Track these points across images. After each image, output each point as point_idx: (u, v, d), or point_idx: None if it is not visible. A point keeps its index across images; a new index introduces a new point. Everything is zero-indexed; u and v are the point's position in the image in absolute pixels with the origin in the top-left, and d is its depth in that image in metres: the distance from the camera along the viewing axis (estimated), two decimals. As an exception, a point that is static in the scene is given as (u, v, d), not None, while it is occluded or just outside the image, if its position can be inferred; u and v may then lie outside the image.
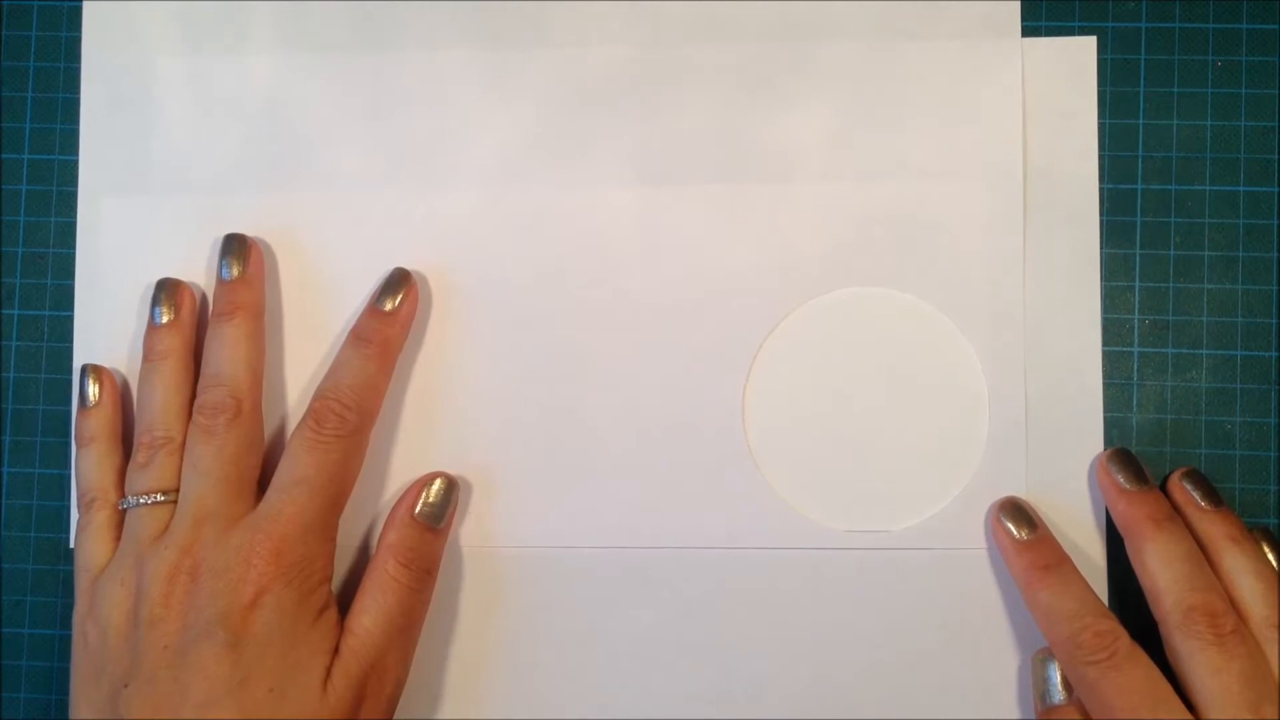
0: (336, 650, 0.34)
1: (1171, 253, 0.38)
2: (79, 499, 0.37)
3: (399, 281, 0.38)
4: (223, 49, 0.39)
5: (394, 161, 0.39)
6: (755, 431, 0.38)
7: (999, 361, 0.38)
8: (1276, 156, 0.38)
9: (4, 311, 0.40)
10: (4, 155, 0.40)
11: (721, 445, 0.38)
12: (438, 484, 0.37)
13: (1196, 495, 0.36)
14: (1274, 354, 0.38)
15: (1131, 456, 0.36)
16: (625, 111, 0.39)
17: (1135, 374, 0.38)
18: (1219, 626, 0.33)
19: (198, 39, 0.40)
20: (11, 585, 0.39)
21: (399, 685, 0.35)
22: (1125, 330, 0.38)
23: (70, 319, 0.39)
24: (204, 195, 0.39)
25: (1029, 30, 0.39)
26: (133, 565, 0.35)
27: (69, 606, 0.39)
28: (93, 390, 0.38)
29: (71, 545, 0.39)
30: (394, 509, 0.37)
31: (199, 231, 0.39)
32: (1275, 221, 0.38)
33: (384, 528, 0.37)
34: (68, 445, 0.39)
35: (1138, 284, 0.38)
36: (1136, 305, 0.38)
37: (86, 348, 0.39)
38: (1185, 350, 0.38)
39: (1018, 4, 0.38)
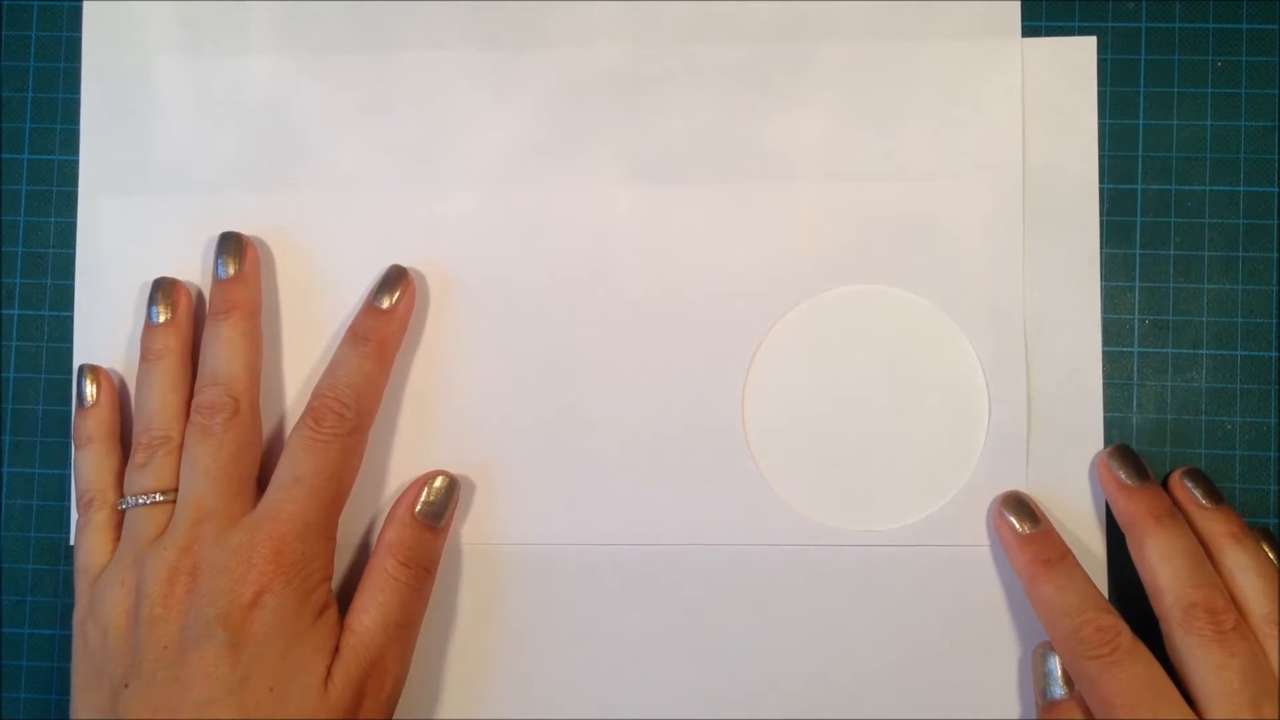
0: (336, 649, 0.34)
1: (1171, 253, 0.38)
2: (78, 499, 0.37)
3: (396, 279, 0.38)
4: (223, 49, 0.39)
5: (394, 161, 0.39)
6: (755, 430, 0.38)
7: (998, 361, 0.38)
8: (1276, 156, 0.38)
9: (4, 311, 0.40)
10: (4, 155, 0.40)
11: (721, 444, 0.38)
12: (438, 482, 0.37)
13: (1197, 493, 0.36)
14: (1274, 354, 0.38)
15: (1132, 453, 0.36)
16: (625, 111, 0.39)
17: (1135, 374, 0.38)
18: (1220, 623, 0.33)
19: (198, 39, 0.40)
20: (11, 585, 0.39)
21: (399, 684, 0.35)
22: (1125, 330, 0.38)
23: (70, 319, 0.39)
24: (204, 195, 0.39)
25: (1029, 30, 0.39)
26: (132, 565, 0.34)
27: (69, 606, 0.39)
28: (90, 390, 0.38)
29: (72, 544, 0.39)
30: (394, 507, 0.37)
31: (199, 231, 0.39)
32: (1275, 221, 0.38)
33: (383, 526, 0.37)
34: (68, 445, 0.39)
35: (1138, 284, 0.38)
36: (1136, 305, 0.38)
37: (86, 348, 0.39)
38: (1185, 350, 0.38)
39: (1018, 4, 0.38)
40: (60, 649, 0.39)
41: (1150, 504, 0.35)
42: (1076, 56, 0.38)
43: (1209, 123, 0.38)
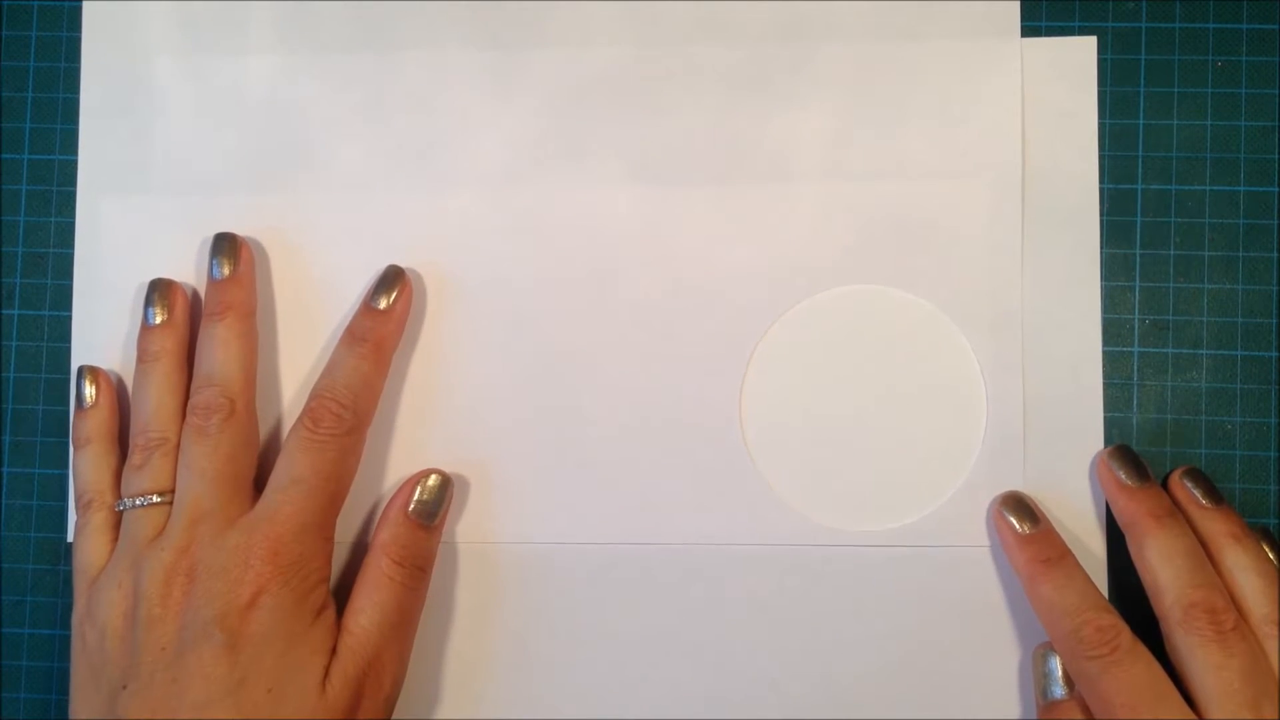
0: (334, 650, 0.34)
1: (1171, 253, 0.38)
2: (76, 500, 0.37)
3: (393, 279, 0.38)
4: (223, 49, 0.39)
5: (394, 161, 0.39)
6: (753, 430, 0.38)
7: (997, 360, 0.38)
8: (1276, 156, 0.38)
9: (4, 311, 0.40)
10: (4, 155, 0.40)
11: (719, 443, 0.38)
12: (431, 480, 0.37)
13: (1197, 493, 0.36)
14: (1274, 354, 0.38)
15: (1132, 453, 0.36)
16: (625, 111, 0.39)
17: (1135, 374, 0.38)
18: (1220, 623, 0.33)
19: (198, 38, 0.40)
20: (11, 585, 0.39)
21: (397, 684, 0.35)
22: (1125, 330, 0.38)
23: (70, 319, 0.39)
24: (203, 195, 0.39)
25: (1029, 30, 0.39)
26: (129, 567, 0.34)
27: (69, 606, 0.39)
28: (89, 391, 0.38)
29: (70, 542, 0.39)
30: (387, 506, 0.37)
31: (198, 231, 0.39)
32: (1275, 221, 0.38)
33: (378, 525, 0.37)
34: (68, 445, 0.39)
35: (1138, 284, 0.38)
36: (1136, 305, 0.38)
37: (85, 348, 0.39)
38: (1185, 350, 0.38)
39: (1017, 4, 0.38)
40: (60, 649, 0.39)
41: (1150, 504, 0.35)
42: (1076, 56, 0.38)
43: (1209, 123, 0.38)
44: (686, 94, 0.39)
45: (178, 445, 0.36)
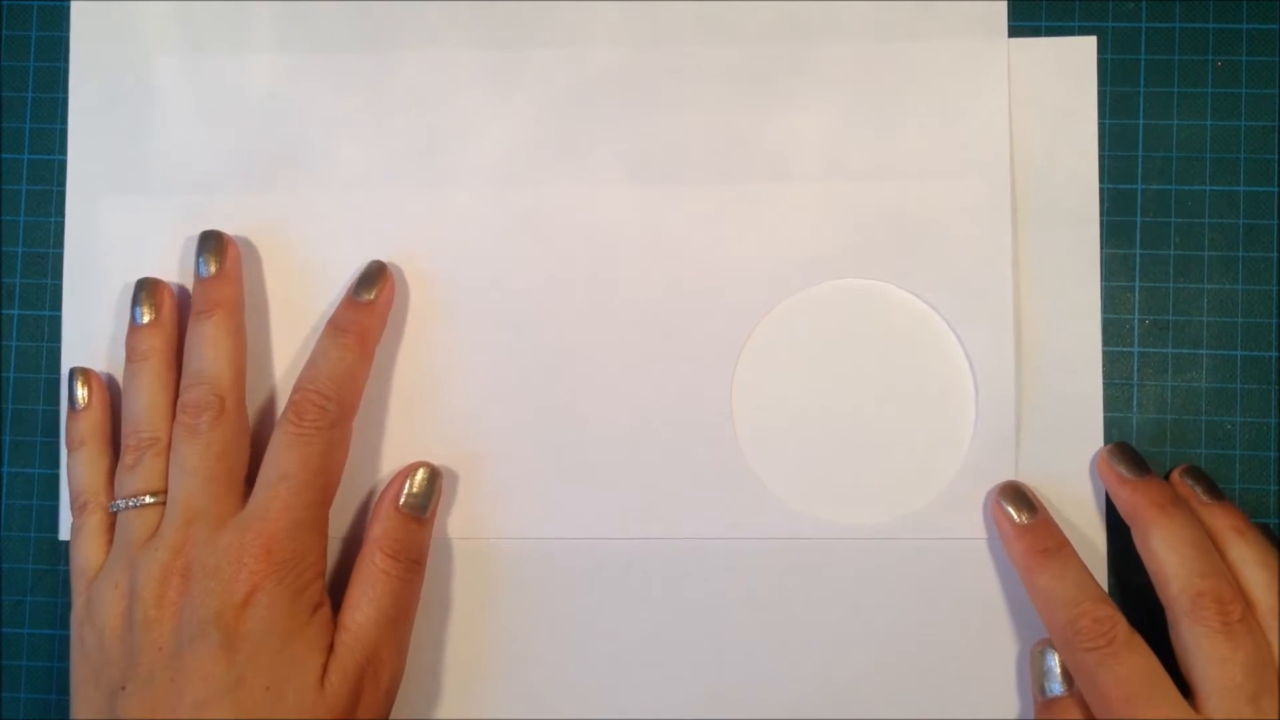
0: (331, 647, 0.34)
1: (1171, 253, 0.38)
2: (72, 502, 0.37)
3: (376, 274, 0.38)
4: (221, 48, 0.39)
5: (393, 161, 0.39)
6: (745, 424, 0.38)
7: (991, 358, 0.38)
8: (1276, 156, 0.38)
9: (4, 311, 0.40)
10: (4, 155, 0.40)
11: (713, 439, 0.38)
12: (420, 473, 0.37)
13: (1198, 490, 0.36)
14: (1274, 354, 0.38)
15: (1132, 449, 0.36)
16: (625, 111, 0.39)
17: (1135, 374, 0.38)
18: (1227, 614, 0.33)
19: (196, 38, 0.40)
20: (11, 585, 0.39)
21: (395, 678, 0.35)
22: (1125, 330, 0.38)
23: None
24: (201, 195, 0.39)
25: (1029, 30, 0.39)
26: (125, 568, 0.34)
27: (69, 606, 0.39)
28: (81, 393, 0.38)
29: (64, 538, 0.39)
30: (378, 501, 0.37)
31: (195, 231, 0.39)
32: (1275, 221, 0.38)
33: (370, 520, 0.37)
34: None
35: (1138, 284, 0.38)
36: (1136, 305, 0.38)
37: (76, 348, 0.39)
38: (1185, 350, 0.38)
39: (1004, 4, 0.38)
40: (60, 649, 0.39)
41: (1154, 494, 0.35)
42: (1076, 56, 0.38)
43: (1209, 123, 0.38)
44: (685, 93, 0.39)
45: (169, 445, 0.36)
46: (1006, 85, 0.38)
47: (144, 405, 0.36)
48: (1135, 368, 0.38)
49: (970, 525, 0.37)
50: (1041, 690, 0.35)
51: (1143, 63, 0.39)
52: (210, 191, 0.39)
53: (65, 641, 0.39)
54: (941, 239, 0.38)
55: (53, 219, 0.40)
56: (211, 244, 0.38)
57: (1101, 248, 0.38)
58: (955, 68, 0.38)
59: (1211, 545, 0.34)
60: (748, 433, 0.38)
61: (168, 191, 0.39)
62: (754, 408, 0.38)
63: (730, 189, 0.38)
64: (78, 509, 0.37)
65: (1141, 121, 0.38)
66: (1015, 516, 0.36)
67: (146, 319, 0.37)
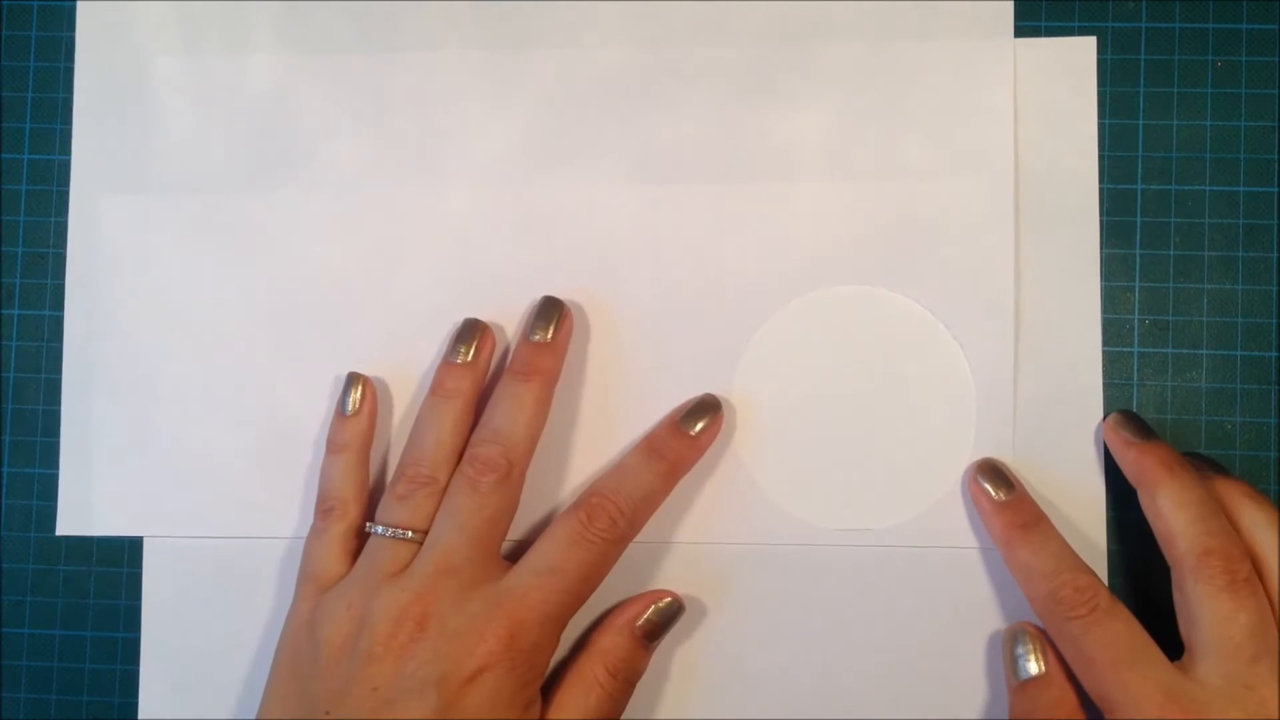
0: None
1: (1171, 253, 0.38)
2: (318, 503, 0.37)
3: (707, 405, 0.37)
4: (222, 48, 0.39)
5: (392, 161, 0.39)
6: (742, 427, 0.38)
7: (991, 360, 0.38)
8: (1276, 156, 0.38)
9: (4, 311, 0.40)
10: (4, 155, 0.40)
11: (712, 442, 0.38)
12: (666, 601, 0.37)
13: (1202, 466, 0.36)
14: (1274, 354, 0.38)
15: (1136, 415, 0.36)
16: (625, 111, 0.39)
17: (1135, 374, 0.38)
18: (1234, 572, 0.33)
19: (196, 38, 0.40)
20: (11, 585, 0.39)
21: None
22: (1125, 330, 0.38)
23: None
24: (201, 195, 0.39)
25: (1030, 31, 0.39)
26: (363, 594, 0.34)
27: (69, 606, 0.39)
28: (354, 399, 0.38)
29: (61, 533, 0.39)
30: (615, 613, 0.36)
31: (196, 231, 0.39)
32: (1275, 221, 0.38)
33: (600, 629, 0.36)
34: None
35: (1138, 284, 0.38)
36: (1136, 305, 0.38)
37: (75, 349, 0.39)
38: (1185, 350, 0.38)
39: (1010, 4, 0.38)
40: (60, 649, 0.39)
41: (1161, 455, 0.35)
42: (1076, 56, 0.38)
43: (1209, 123, 0.38)
44: (685, 94, 0.39)
45: (444, 488, 0.35)
46: (1012, 86, 0.38)
47: (432, 443, 0.36)
48: (1135, 368, 0.38)
49: (970, 530, 0.37)
50: (1015, 674, 0.35)
51: (1143, 63, 0.39)
52: (211, 191, 0.39)
53: (66, 642, 0.39)
54: (943, 240, 0.38)
55: (53, 219, 0.40)
56: (551, 312, 0.37)
57: (1101, 248, 0.38)
58: (959, 68, 0.38)
59: (1219, 507, 0.34)
60: (746, 437, 0.38)
61: (169, 191, 0.39)
62: (754, 411, 0.38)
63: (730, 189, 0.38)
64: (322, 512, 0.36)
65: (1141, 121, 0.38)
66: (993, 493, 0.36)
67: (463, 359, 0.37)
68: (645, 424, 0.38)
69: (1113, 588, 0.37)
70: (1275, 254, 0.38)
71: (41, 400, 0.40)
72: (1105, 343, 0.38)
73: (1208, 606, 0.32)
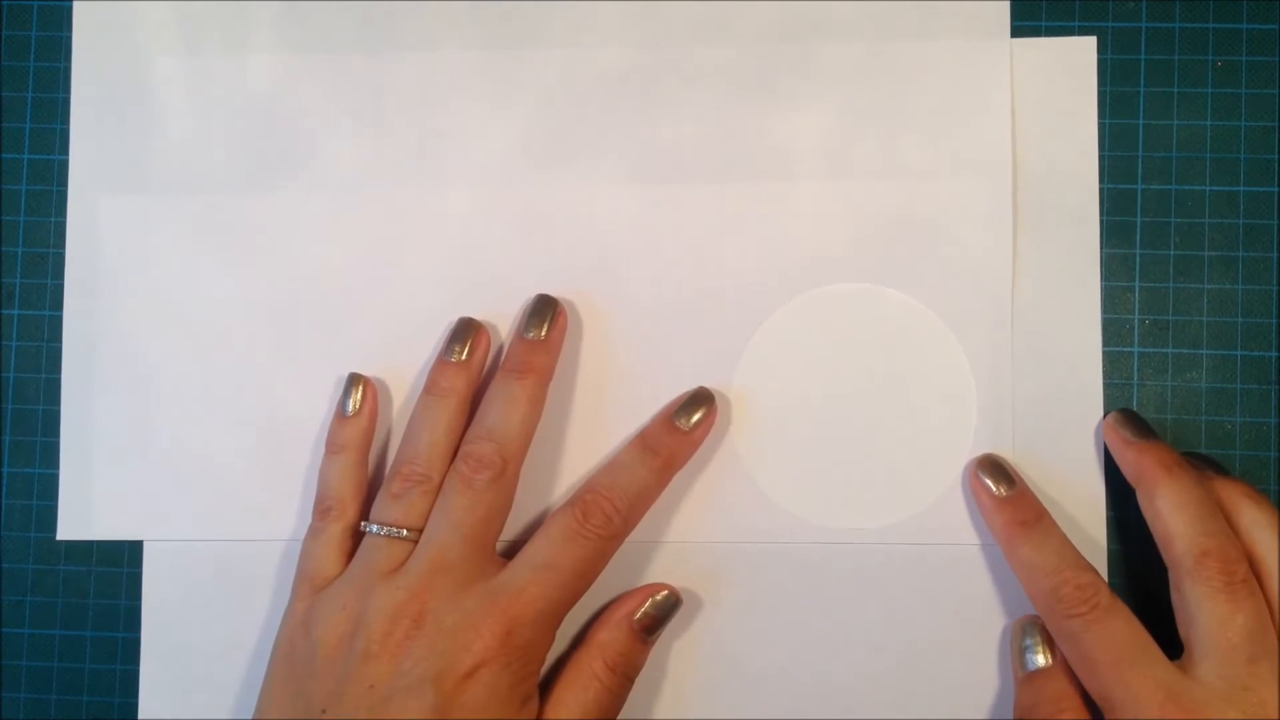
0: None
1: (1171, 253, 0.38)
2: (316, 503, 0.37)
3: (700, 399, 0.37)
4: (222, 48, 0.39)
5: (393, 161, 0.39)
6: (741, 426, 0.38)
7: (991, 359, 0.38)
8: (1276, 156, 0.38)
9: (4, 311, 0.40)
10: (4, 155, 0.40)
11: (709, 440, 0.37)
12: (663, 595, 0.37)
13: (1202, 466, 0.36)
14: (1274, 354, 0.38)
15: (1136, 414, 0.36)
16: (625, 111, 0.39)
17: (1135, 374, 0.38)
18: (1231, 573, 0.33)
19: (196, 38, 0.40)
20: (11, 585, 0.39)
21: None
22: (1125, 330, 0.38)
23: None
24: (200, 195, 0.39)
25: (1030, 30, 0.39)
26: (358, 594, 0.34)
27: (69, 606, 0.39)
28: (354, 400, 0.38)
29: (55, 533, 0.39)
30: (612, 607, 0.36)
31: (195, 231, 0.39)
32: (1275, 221, 0.38)
33: (597, 624, 0.36)
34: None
35: (1138, 284, 0.38)
36: (1136, 305, 0.38)
37: (75, 349, 0.39)
38: (1185, 350, 0.38)
39: (1007, 4, 0.38)
40: (60, 649, 0.39)
41: (1159, 454, 0.35)
42: (1076, 56, 0.38)
43: (1209, 123, 0.38)
44: (685, 94, 0.39)
45: (439, 486, 0.35)
46: (1010, 86, 0.38)
47: (427, 442, 0.36)
48: (1135, 368, 0.38)
49: (971, 526, 0.37)
50: (1023, 665, 0.35)
51: (1143, 63, 0.39)
52: (211, 191, 0.39)
53: (66, 642, 0.39)
54: (942, 239, 0.38)
55: (53, 219, 0.40)
56: (545, 309, 0.37)
57: (1101, 248, 0.38)
58: (958, 68, 0.38)
59: (1217, 508, 0.34)
60: (746, 435, 0.38)
61: (168, 191, 0.39)
62: (753, 409, 0.38)
63: (730, 189, 0.38)
64: (320, 512, 0.37)
65: (1141, 121, 0.38)
66: (994, 489, 0.36)
67: (458, 357, 0.37)
68: (643, 423, 0.38)
69: (1113, 587, 0.37)
70: (1275, 254, 0.38)
71: (41, 400, 0.40)
72: (1105, 343, 0.38)
73: (1205, 608, 0.32)
